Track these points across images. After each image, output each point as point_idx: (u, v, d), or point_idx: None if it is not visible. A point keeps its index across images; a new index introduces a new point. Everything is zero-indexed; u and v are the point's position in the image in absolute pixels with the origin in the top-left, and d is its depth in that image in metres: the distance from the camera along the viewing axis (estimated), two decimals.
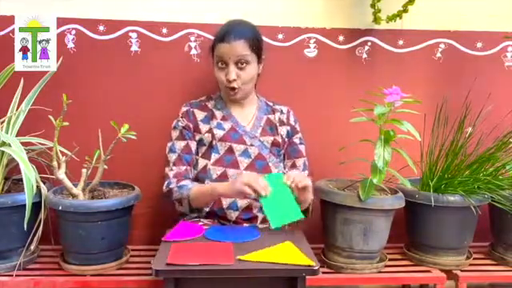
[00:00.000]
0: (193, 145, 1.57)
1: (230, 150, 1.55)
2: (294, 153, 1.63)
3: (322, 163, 1.62)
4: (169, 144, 1.57)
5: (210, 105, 1.61)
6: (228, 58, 1.49)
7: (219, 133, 1.55)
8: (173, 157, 1.54)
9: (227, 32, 1.50)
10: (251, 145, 1.56)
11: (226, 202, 1.52)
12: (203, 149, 1.57)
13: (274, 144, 1.59)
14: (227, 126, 1.57)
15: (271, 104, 1.67)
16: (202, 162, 1.56)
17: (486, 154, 1.57)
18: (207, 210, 1.54)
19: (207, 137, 1.56)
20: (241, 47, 1.49)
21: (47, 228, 1.47)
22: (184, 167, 1.54)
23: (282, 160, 1.62)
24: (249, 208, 1.53)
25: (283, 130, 1.63)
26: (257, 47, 1.54)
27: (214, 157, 1.54)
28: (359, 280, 1.48)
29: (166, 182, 1.53)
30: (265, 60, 1.61)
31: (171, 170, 1.53)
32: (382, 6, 1.71)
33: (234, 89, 1.52)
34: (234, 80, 1.51)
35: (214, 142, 1.55)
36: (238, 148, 1.55)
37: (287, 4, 1.81)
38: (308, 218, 1.50)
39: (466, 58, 1.88)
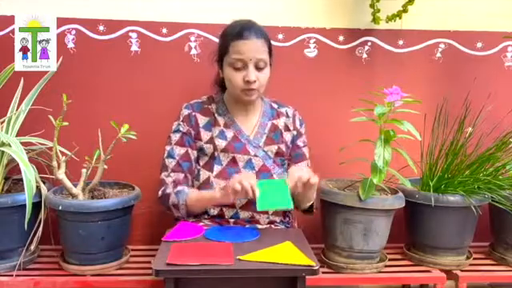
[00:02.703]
0: (192, 153, 1.51)
1: (234, 161, 1.50)
2: (297, 157, 1.59)
3: (322, 163, 1.62)
4: (167, 148, 1.51)
5: (212, 108, 1.55)
6: (248, 59, 1.40)
7: (221, 143, 1.49)
8: (172, 163, 1.48)
9: (245, 29, 1.42)
10: (255, 155, 1.51)
11: (227, 214, 1.50)
12: (205, 159, 1.51)
13: (278, 154, 1.54)
14: (230, 134, 1.51)
15: (276, 107, 1.60)
16: (204, 174, 1.50)
17: (486, 154, 1.57)
18: (207, 217, 1.52)
19: (209, 147, 1.50)
20: (261, 46, 1.43)
21: (47, 228, 1.47)
22: (183, 174, 1.48)
23: (285, 169, 1.57)
24: (252, 218, 1.51)
25: (288, 136, 1.57)
26: (271, 49, 1.49)
27: (217, 168, 1.49)
28: (359, 280, 1.48)
29: (163, 188, 1.47)
30: (272, 66, 1.56)
31: (169, 176, 1.48)
32: (381, 6, 1.71)
33: (251, 90, 1.43)
34: (255, 81, 1.42)
35: (216, 154, 1.50)
36: (242, 159, 1.50)
37: (287, 4, 1.81)
38: (313, 215, 1.50)
39: (466, 58, 1.88)
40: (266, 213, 1.52)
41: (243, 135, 1.52)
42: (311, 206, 1.49)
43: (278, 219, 1.54)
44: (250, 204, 1.47)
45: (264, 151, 1.52)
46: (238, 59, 1.42)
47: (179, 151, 1.50)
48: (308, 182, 1.32)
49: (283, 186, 1.34)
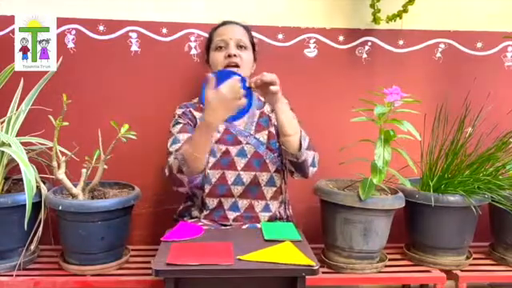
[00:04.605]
0: None
1: (227, 152, 1.52)
2: None
3: (322, 163, 1.61)
4: (170, 139, 1.49)
5: (203, 106, 1.55)
6: (229, 38, 1.53)
7: (215, 135, 1.52)
8: (175, 147, 1.45)
9: (225, 21, 1.60)
10: (247, 143, 1.54)
11: (227, 204, 1.51)
12: None
13: (270, 137, 1.56)
14: (221, 127, 1.54)
15: (263, 99, 1.62)
16: None
17: (486, 154, 1.56)
18: (206, 212, 1.52)
19: None
20: (241, 31, 1.57)
21: (47, 228, 1.47)
22: None
23: (280, 154, 1.57)
24: (251, 207, 1.52)
25: (274, 117, 1.58)
26: (252, 40, 1.61)
27: (211, 161, 1.50)
28: (359, 280, 1.48)
29: (167, 166, 1.43)
30: (257, 62, 1.63)
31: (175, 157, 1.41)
32: (382, 6, 1.72)
33: (235, 65, 1.50)
34: (235, 55, 1.51)
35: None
36: (234, 149, 1.52)
37: (287, 4, 1.81)
38: (301, 155, 1.44)
39: (466, 58, 1.88)
40: (266, 211, 1.53)
41: (234, 128, 1.56)
42: (300, 144, 1.43)
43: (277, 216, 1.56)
44: (248, 192, 1.51)
45: (256, 138, 1.55)
46: (220, 40, 1.54)
47: (183, 137, 1.48)
48: (268, 83, 1.33)
49: (289, 225, 1.47)
